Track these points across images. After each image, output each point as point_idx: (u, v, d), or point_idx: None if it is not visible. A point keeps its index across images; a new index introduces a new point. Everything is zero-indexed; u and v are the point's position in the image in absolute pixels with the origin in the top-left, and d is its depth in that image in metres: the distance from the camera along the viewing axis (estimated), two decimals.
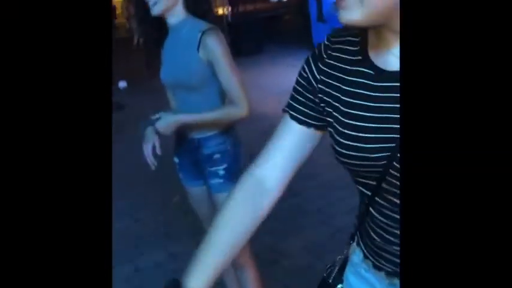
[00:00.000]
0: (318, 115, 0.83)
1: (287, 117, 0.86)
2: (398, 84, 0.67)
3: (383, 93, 0.73)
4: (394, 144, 0.71)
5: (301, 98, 0.85)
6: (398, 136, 0.69)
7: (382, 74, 0.74)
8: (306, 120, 0.84)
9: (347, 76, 0.78)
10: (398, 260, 0.79)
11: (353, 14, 0.67)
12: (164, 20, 1.65)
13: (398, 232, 0.77)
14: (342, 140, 0.77)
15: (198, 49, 1.58)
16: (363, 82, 0.76)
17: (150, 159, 1.65)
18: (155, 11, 1.58)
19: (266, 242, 2.44)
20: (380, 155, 0.72)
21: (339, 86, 0.78)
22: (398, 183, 0.72)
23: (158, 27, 1.68)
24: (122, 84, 7.54)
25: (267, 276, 2.25)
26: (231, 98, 1.61)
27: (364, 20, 0.67)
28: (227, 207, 0.83)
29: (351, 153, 0.75)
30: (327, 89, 0.80)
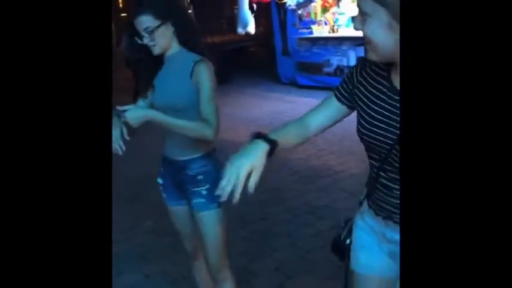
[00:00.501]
0: (351, 99, 1.26)
1: (332, 95, 1.30)
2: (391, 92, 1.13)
3: (392, 101, 1.13)
4: (396, 136, 1.11)
5: (345, 86, 1.28)
6: (398, 130, 1.09)
7: (394, 89, 1.14)
8: (342, 99, 1.28)
9: (373, 84, 1.19)
10: (392, 208, 1.20)
11: (372, 56, 1.12)
12: (162, 55, 1.86)
13: (394, 188, 1.17)
14: (361, 124, 1.20)
15: (190, 76, 1.79)
16: (382, 91, 1.17)
17: (119, 144, 1.68)
18: (156, 51, 1.82)
19: (239, 262, 2.59)
20: (387, 140, 1.13)
21: (366, 90, 1.21)
22: (398, 159, 1.11)
23: (156, 62, 1.88)
24: None
25: None
26: (204, 119, 1.73)
27: (379, 59, 1.12)
28: (292, 123, 1.30)
29: (365, 135, 1.19)
30: (360, 88, 1.23)
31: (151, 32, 1.77)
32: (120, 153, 1.68)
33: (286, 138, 1.21)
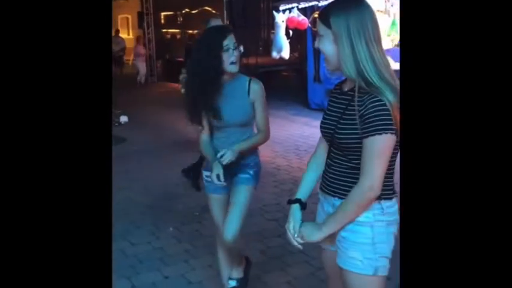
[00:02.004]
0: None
1: None
2: (347, 97, 1.51)
3: (341, 100, 1.56)
4: (334, 127, 1.53)
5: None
6: (336, 123, 1.52)
7: (344, 93, 1.54)
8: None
9: (334, 93, 1.62)
10: (328, 182, 1.59)
11: (327, 66, 1.53)
12: (220, 80, 2.18)
13: (333, 166, 1.57)
14: (322, 121, 1.62)
15: (248, 94, 2.21)
16: (335, 96, 1.60)
17: (220, 183, 2.16)
18: (236, 68, 2.18)
19: (253, 273, 2.72)
20: (330, 131, 1.55)
21: (331, 97, 1.63)
22: (339, 145, 1.52)
23: (218, 84, 2.20)
24: (123, 118, 7.88)
25: None
26: (260, 128, 2.30)
27: (331, 68, 1.51)
28: (310, 166, 1.75)
29: (321, 128, 1.61)
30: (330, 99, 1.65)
31: (236, 49, 2.14)
32: (224, 185, 2.22)
33: (311, 186, 1.73)
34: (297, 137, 6.63)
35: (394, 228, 1.54)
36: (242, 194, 2.30)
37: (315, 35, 8.76)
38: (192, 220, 3.83)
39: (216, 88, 2.17)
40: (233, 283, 2.54)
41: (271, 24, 8.84)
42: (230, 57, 2.10)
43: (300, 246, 1.62)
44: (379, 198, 1.49)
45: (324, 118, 1.60)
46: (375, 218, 1.50)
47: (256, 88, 2.23)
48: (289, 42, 8.16)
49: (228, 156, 2.15)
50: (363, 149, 1.42)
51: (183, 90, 10.69)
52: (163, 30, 15.87)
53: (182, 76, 9.07)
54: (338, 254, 1.56)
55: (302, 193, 1.71)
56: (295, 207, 1.67)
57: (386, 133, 1.37)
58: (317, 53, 8.55)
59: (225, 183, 2.19)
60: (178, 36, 16.14)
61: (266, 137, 2.32)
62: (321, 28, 1.47)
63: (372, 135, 1.38)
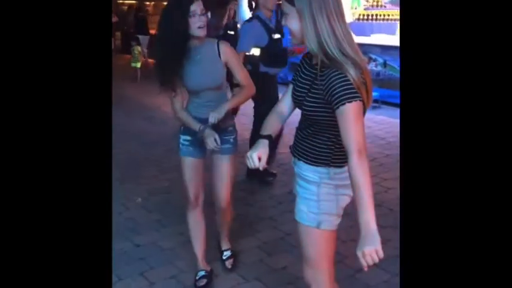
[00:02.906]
0: None
1: (291, 84, 1.74)
2: (314, 71, 1.59)
3: (309, 72, 1.64)
4: (304, 95, 1.63)
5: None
6: (305, 93, 1.62)
7: (311, 66, 1.62)
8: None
9: (303, 64, 1.70)
10: (297, 147, 1.72)
11: (294, 40, 1.62)
12: (187, 44, 2.21)
13: (302, 132, 1.70)
14: (292, 91, 1.71)
15: (219, 56, 2.25)
16: (305, 67, 1.68)
17: (216, 146, 2.23)
18: (202, 33, 2.19)
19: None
20: (301, 99, 1.65)
21: (300, 68, 1.71)
22: (306, 115, 1.64)
23: (185, 48, 2.22)
24: None
25: (225, 268, 2.63)
26: (243, 83, 2.34)
27: (297, 41, 1.59)
28: (270, 117, 1.79)
29: (293, 98, 1.71)
30: (298, 69, 1.72)
31: (203, 15, 2.16)
32: (218, 149, 2.28)
33: (274, 129, 1.76)
34: None
35: (347, 191, 1.63)
36: (227, 165, 2.43)
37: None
38: (160, 191, 3.85)
39: (184, 53, 2.21)
40: (228, 253, 2.71)
41: None
42: (197, 22, 2.14)
43: (257, 165, 1.64)
44: (328, 165, 1.63)
45: (294, 88, 1.70)
46: (321, 180, 1.65)
47: (226, 48, 2.29)
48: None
49: (220, 113, 2.20)
50: (339, 121, 1.49)
51: (133, 64, 10.31)
52: (120, 1, 15.35)
53: (133, 48, 8.80)
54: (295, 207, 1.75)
55: (268, 130, 1.75)
56: (263, 141, 1.70)
57: (355, 100, 1.46)
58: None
59: (220, 146, 2.24)
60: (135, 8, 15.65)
61: (251, 89, 2.37)
62: (286, 6, 1.57)
63: (342, 104, 1.46)
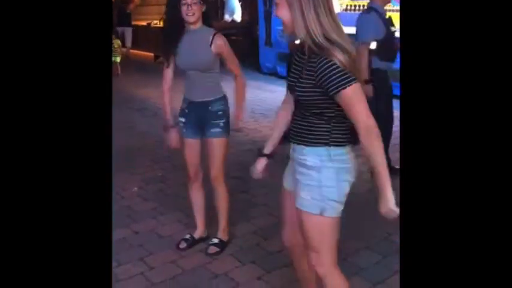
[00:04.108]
0: None
1: None
2: (304, 57, 1.67)
3: (300, 59, 1.72)
4: (296, 81, 1.71)
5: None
6: (296, 79, 1.70)
7: (303, 53, 1.69)
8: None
9: (297, 53, 1.76)
10: (293, 132, 1.77)
11: (285, 30, 1.70)
12: (184, 26, 2.55)
13: (297, 119, 1.75)
14: (288, 79, 1.80)
15: (210, 45, 2.53)
16: (299, 56, 1.74)
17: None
18: (191, 20, 2.51)
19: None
20: (295, 86, 1.71)
21: (295, 57, 1.78)
22: (298, 100, 1.72)
23: (180, 30, 2.58)
24: None
25: (222, 253, 2.72)
26: (236, 74, 2.65)
27: (288, 32, 1.67)
28: (279, 112, 1.97)
29: (288, 86, 1.80)
30: (293, 59, 1.80)
31: (194, 4, 2.45)
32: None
33: (285, 123, 1.89)
34: (251, 100, 6.75)
35: (348, 177, 1.72)
36: (216, 148, 2.63)
37: None
38: (155, 180, 3.92)
39: (176, 33, 2.58)
40: (215, 240, 2.81)
41: None
42: (186, 10, 2.47)
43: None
44: (328, 144, 1.68)
45: (289, 75, 1.79)
46: (322, 164, 1.68)
47: (220, 43, 2.57)
48: (240, 6, 8.16)
49: (236, 124, 2.67)
50: (342, 105, 1.59)
51: (112, 58, 10.16)
52: None
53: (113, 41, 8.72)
54: (295, 195, 1.78)
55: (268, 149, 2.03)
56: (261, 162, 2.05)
57: (349, 84, 1.55)
58: (268, 16, 8.61)
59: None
60: None
61: (244, 79, 2.71)
62: None
63: (338, 91, 1.55)
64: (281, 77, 8.16)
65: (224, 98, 2.67)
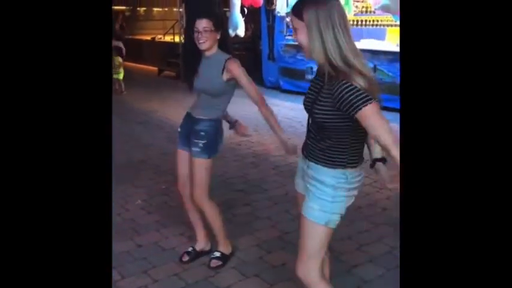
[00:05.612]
0: None
1: None
2: (322, 80, 1.71)
3: (316, 83, 1.79)
4: (311, 103, 1.75)
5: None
6: (313, 101, 1.74)
7: (319, 77, 1.75)
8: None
9: (313, 78, 1.83)
10: (309, 149, 1.81)
11: (305, 55, 1.72)
12: (202, 53, 2.63)
13: (311, 137, 1.80)
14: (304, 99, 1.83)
15: (222, 72, 2.56)
16: (315, 79, 1.80)
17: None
18: (202, 47, 2.57)
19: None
20: (308, 107, 1.77)
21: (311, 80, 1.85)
22: (314, 119, 1.75)
23: (198, 58, 2.67)
24: None
25: (225, 265, 2.72)
26: (255, 100, 2.55)
27: (308, 56, 1.70)
28: None
29: (304, 105, 1.81)
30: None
31: (205, 31, 2.50)
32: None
33: None
34: (254, 114, 6.71)
35: (355, 192, 1.81)
36: (195, 167, 2.65)
37: (268, 13, 8.88)
38: (158, 193, 3.93)
39: (191, 59, 2.71)
40: (217, 254, 2.80)
41: (226, 2, 8.84)
42: (197, 37, 2.54)
43: None
44: (345, 166, 1.73)
45: (306, 95, 1.83)
46: (338, 185, 1.75)
47: (231, 67, 2.55)
48: (244, 21, 8.24)
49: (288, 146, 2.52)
50: (363, 124, 1.59)
51: (114, 76, 10.23)
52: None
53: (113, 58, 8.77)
54: (303, 202, 1.83)
55: None
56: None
57: (369, 103, 1.56)
58: (271, 31, 8.69)
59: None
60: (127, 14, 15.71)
61: (265, 106, 2.54)
62: (296, 21, 1.68)
63: (359, 109, 1.56)
64: (283, 91, 8.24)
65: (216, 121, 2.65)
